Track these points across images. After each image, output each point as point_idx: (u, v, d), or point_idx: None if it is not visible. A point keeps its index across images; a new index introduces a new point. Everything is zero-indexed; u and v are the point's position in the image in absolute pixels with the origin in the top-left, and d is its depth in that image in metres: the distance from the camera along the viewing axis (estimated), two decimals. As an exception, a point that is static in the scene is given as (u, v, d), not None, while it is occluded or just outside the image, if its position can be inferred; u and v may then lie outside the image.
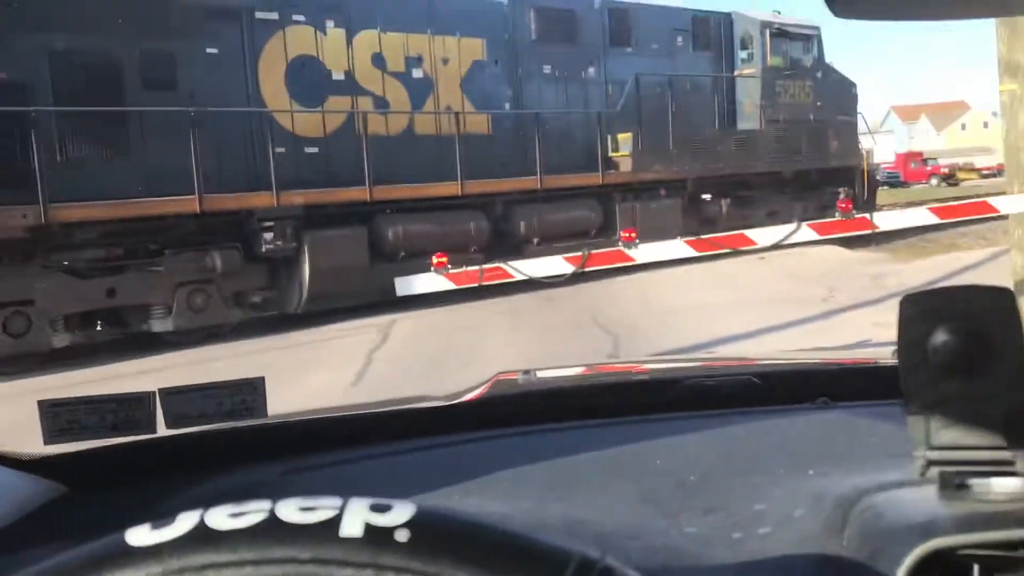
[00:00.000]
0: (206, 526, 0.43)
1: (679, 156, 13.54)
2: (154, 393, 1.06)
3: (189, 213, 9.25)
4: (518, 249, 11.88)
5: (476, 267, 11.07)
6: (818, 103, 15.75)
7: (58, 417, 1.02)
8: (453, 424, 1.32)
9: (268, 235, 9.79)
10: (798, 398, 1.32)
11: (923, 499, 0.77)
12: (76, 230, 8.72)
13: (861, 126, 17.27)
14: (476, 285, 10.93)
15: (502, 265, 11.34)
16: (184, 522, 0.43)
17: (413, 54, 11.38)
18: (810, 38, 15.72)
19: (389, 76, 11.18)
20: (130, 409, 1.04)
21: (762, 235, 12.91)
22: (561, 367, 2.21)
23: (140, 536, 0.43)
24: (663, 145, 13.34)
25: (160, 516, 0.44)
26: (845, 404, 1.28)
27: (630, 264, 12.10)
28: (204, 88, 9.57)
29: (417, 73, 11.42)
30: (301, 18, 10.41)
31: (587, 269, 11.67)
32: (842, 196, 14.94)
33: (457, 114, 11.41)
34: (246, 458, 1.20)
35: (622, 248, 12.12)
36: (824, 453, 1.06)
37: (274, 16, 10.21)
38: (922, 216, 13.43)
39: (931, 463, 0.78)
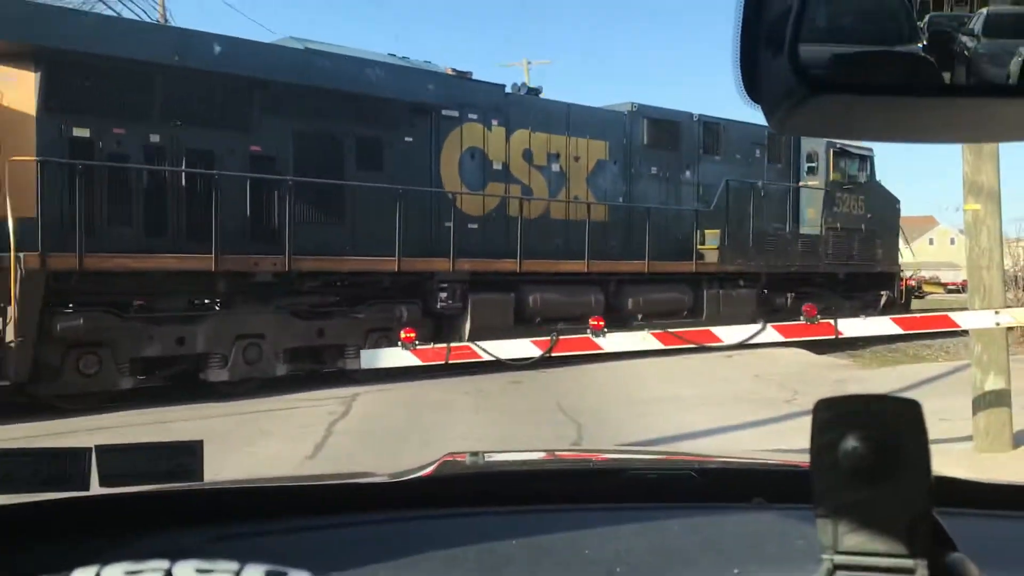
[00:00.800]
0: None
1: (756, 253, 15.67)
2: (91, 449, 1.05)
3: (389, 271, 11.45)
4: (625, 322, 13.48)
5: (443, 345, 11.08)
6: (868, 215, 17.95)
7: None
8: (394, 501, 1.32)
9: (443, 294, 12.06)
10: (735, 497, 1.34)
11: None
12: (306, 279, 10.92)
13: (900, 237, 19.78)
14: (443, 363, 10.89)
15: (470, 344, 11.34)
16: None
17: (553, 151, 13.65)
18: (865, 158, 17.98)
19: (534, 168, 13.48)
20: (65, 463, 1.03)
21: (728, 333, 13.05)
22: (513, 450, 2.22)
23: None
24: (744, 242, 15.51)
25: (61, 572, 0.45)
26: (779, 505, 1.29)
27: (597, 352, 12.12)
28: (402, 169, 11.80)
29: (555, 167, 13.71)
30: (474, 116, 12.73)
31: (555, 355, 11.68)
32: (883, 298, 17.89)
33: (589, 204, 13.71)
34: (178, 522, 1.18)
35: (590, 336, 12.17)
36: (751, 553, 1.08)
37: (455, 114, 12.53)
38: (885, 326, 13.65)
39: (837, 567, 0.79)
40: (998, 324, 6.77)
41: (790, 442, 6.98)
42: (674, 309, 14.53)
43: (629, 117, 14.64)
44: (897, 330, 13.65)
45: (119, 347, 9.49)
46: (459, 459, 1.68)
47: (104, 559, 1.02)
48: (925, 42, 0.79)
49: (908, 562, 0.77)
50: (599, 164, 14.23)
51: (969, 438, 6.77)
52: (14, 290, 8.55)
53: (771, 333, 13.85)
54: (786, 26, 0.68)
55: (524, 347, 12.03)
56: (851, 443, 0.77)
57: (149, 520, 1.15)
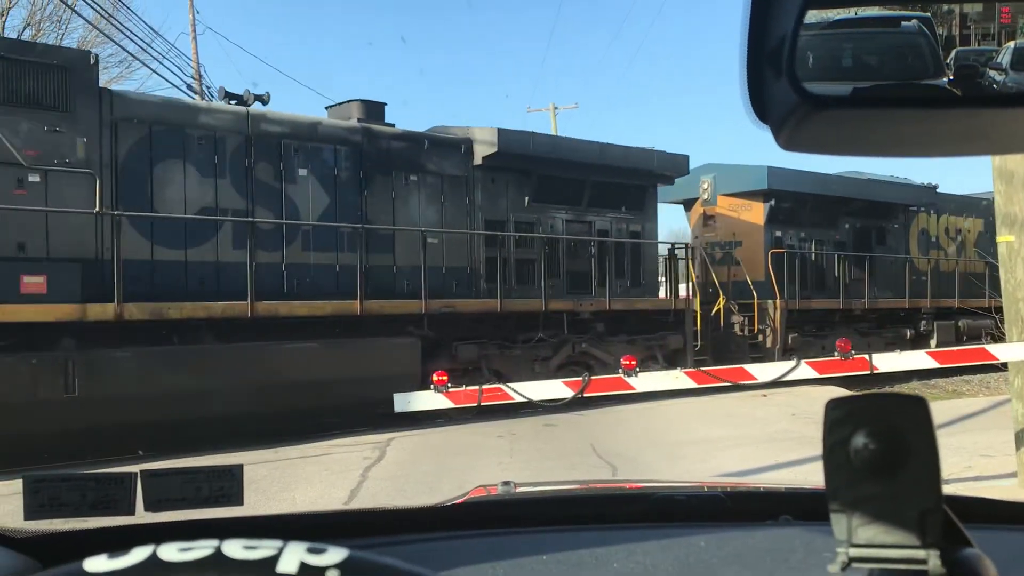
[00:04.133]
0: (157, 558, 0.47)
1: None
2: (136, 474, 1.08)
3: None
4: None
5: (476, 387, 11.05)
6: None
7: (39, 493, 1.04)
8: (426, 526, 1.33)
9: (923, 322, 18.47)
10: (762, 516, 1.34)
11: None
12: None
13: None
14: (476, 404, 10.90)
15: (502, 386, 11.32)
16: (138, 553, 0.47)
17: (957, 227, 20.07)
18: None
19: (948, 239, 19.87)
20: (110, 489, 1.06)
21: (762, 371, 13.02)
22: (544, 483, 2.23)
23: (96, 564, 0.46)
24: None
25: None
26: (807, 523, 1.30)
27: (629, 392, 12.08)
28: (900, 245, 18.69)
29: (958, 238, 20.09)
30: (924, 210, 19.23)
31: (588, 395, 11.66)
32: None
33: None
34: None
35: (622, 375, 12.14)
36: (778, 566, 1.08)
37: (915, 208, 19.05)
38: (921, 360, 13.58)
39: (852, 560, 0.82)
40: (1038, 357, 6.65)
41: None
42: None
43: (988, 202, 18.63)
44: (933, 364, 13.49)
45: None
46: (491, 491, 1.70)
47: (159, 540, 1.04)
48: (951, 77, 0.81)
49: (920, 552, 0.80)
50: (979, 235, 20.19)
51: (1013, 475, 6.63)
52: (777, 320, 15.10)
53: (805, 370, 13.80)
54: (785, 48, 0.72)
55: (556, 388, 12.00)
56: (861, 440, 0.81)
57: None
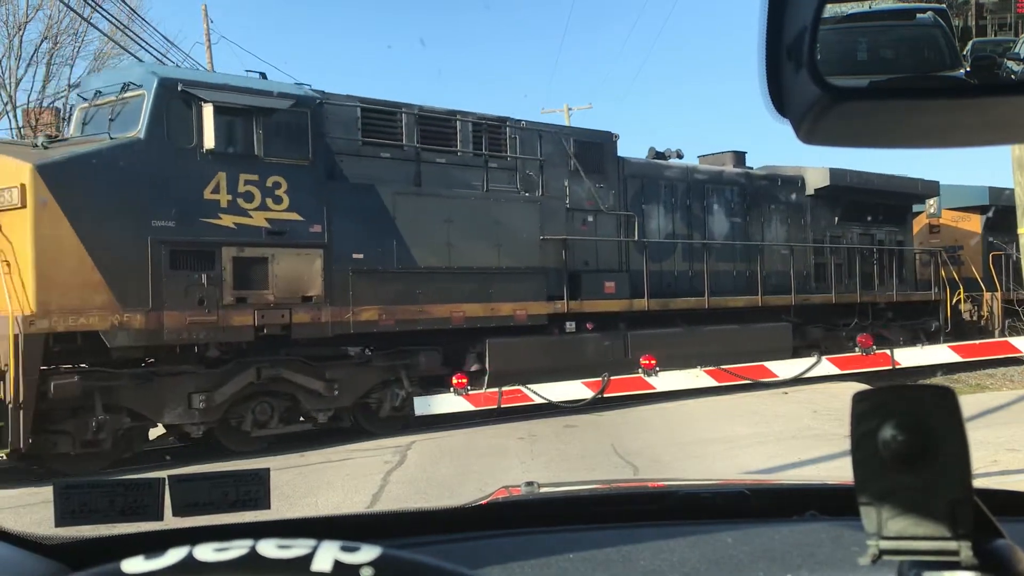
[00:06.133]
0: (193, 558, 0.48)
1: None
2: (164, 479, 1.09)
3: None
4: None
5: (495, 389, 11.09)
6: None
7: (70, 499, 1.05)
8: (451, 526, 1.34)
9: None
10: (788, 513, 1.34)
11: None
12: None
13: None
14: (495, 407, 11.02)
15: (522, 388, 11.38)
16: (174, 554, 0.48)
17: None
18: None
19: None
20: (138, 494, 1.07)
21: (782, 368, 13.12)
22: (566, 483, 2.23)
23: (134, 565, 0.47)
24: None
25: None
26: (833, 518, 1.29)
27: (650, 392, 12.11)
28: None
29: None
30: None
31: (607, 395, 11.72)
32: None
33: None
34: None
35: (642, 375, 12.17)
36: (805, 560, 1.08)
37: None
38: (943, 354, 13.59)
39: (883, 552, 0.81)
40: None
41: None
42: None
43: None
44: (956, 358, 13.40)
45: None
46: (514, 492, 1.71)
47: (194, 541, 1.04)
48: (968, 68, 0.80)
49: (952, 544, 0.79)
50: None
51: (1040, 468, 6.56)
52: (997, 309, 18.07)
53: (826, 366, 13.78)
54: (804, 41, 0.72)
55: (575, 389, 12.01)
56: (889, 432, 0.80)
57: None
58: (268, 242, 9.63)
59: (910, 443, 0.80)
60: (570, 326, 12.29)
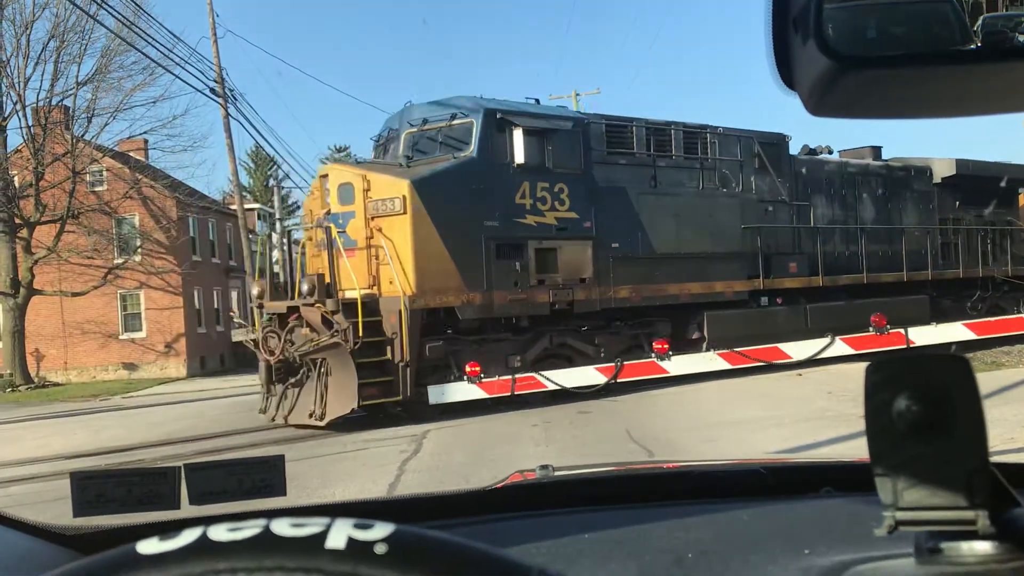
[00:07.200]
0: (207, 538, 0.48)
1: None
2: (180, 468, 1.10)
3: None
4: None
5: (508, 376, 11.22)
6: None
7: (87, 490, 1.06)
8: (467, 510, 1.35)
9: None
10: (804, 490, 1.34)
11: (902, 566, 0.79)
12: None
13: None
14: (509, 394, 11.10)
15: (535, 375, 11.48)
16: (188, 535, 0.49)
17: None
18: None
19: None
20: (154, 483, 1.08)
21: (796, 349, 13.14)
22: (581, 466, 2.23)
23: (149, 547, 0.48)
24: None
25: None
26: (849, 494, 1.29)
27: (663, 376, 12.11)
28: None
29: None
30: None
31: (621, 380, 11.74)
32: None
33: None
34: None
35: (655, 359, 12.19)
36: (821, 537, 1.08)
37: None
38: (958, 332, 13.56)
39: (899, 523, 0.81)
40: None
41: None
42: None
43: None
44: (971, 335, 13.32)
45: None
46: (528, 476, 1.72)
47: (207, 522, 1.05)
48: (979, 44, 0.79)
49: (969, 513, 0.78)
50: None
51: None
52: None
53: (840, 346, 13.75)
54: (811, 11, 0.71)
55: (589, 375, 12.06)
56: (903, 402, 0.80)
57: None
58: (557, 236, 12.32)
59: (925, 413, 0.79)
60: (763, 300, 14.53)
